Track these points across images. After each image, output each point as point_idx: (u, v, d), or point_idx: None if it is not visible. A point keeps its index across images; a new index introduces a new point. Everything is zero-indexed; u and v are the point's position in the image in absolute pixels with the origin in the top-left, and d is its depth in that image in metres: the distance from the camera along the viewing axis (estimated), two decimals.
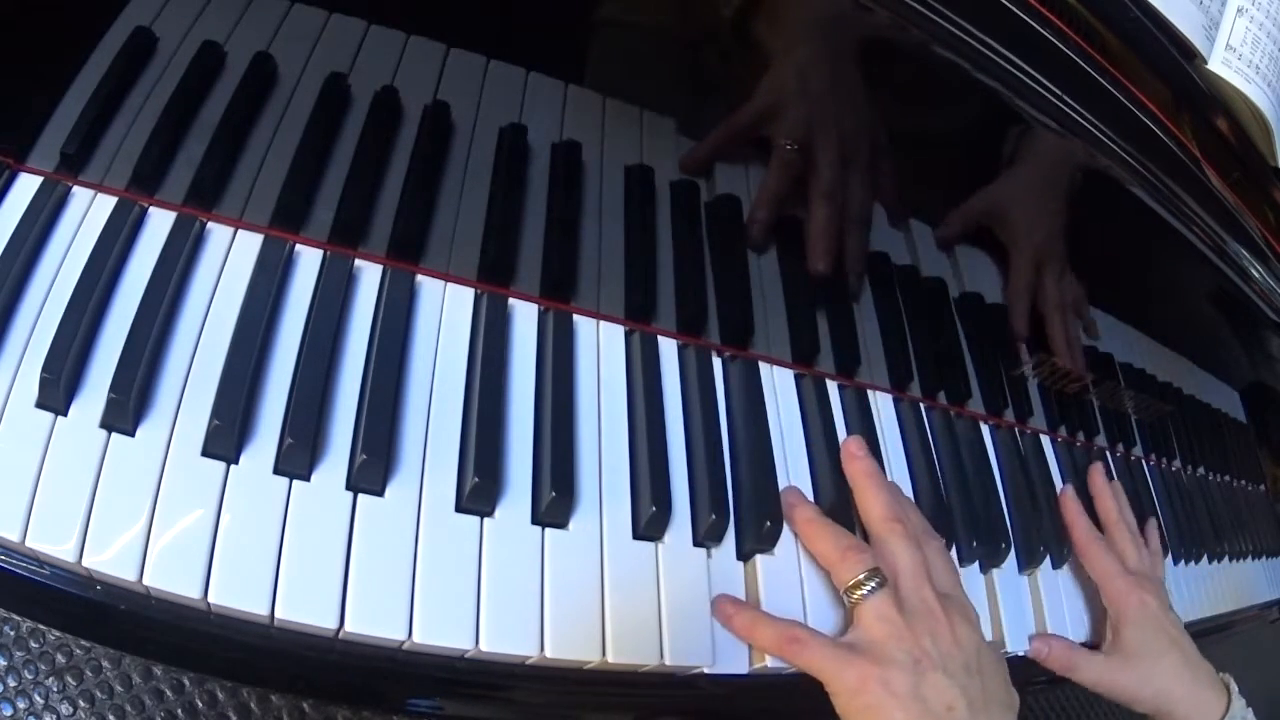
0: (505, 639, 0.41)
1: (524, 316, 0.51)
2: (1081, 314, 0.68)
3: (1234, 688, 0.63)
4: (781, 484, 0.53)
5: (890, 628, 0.47)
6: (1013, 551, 0.62)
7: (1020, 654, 0.60)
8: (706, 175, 0.53)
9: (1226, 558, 0.91)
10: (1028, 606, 0.62)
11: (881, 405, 0.62)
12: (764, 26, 0.47)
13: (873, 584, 0.48)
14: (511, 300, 0.51)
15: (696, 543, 0.49)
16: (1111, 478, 0.74)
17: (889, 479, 0.56)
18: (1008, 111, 0.51)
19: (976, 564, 0.60)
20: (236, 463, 0.40)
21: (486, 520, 0.44)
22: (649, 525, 0.47)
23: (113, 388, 0.38)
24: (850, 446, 0.55)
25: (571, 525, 0.45)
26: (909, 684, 0.45)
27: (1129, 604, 0.62)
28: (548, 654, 0.42)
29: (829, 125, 0.51)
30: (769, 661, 0.48)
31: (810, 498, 0.54)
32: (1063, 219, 0.60)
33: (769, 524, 0.50)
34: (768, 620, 0.48)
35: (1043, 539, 0.65)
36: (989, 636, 0.57)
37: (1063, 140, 0.53)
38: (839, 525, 0.51)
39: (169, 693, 0.48)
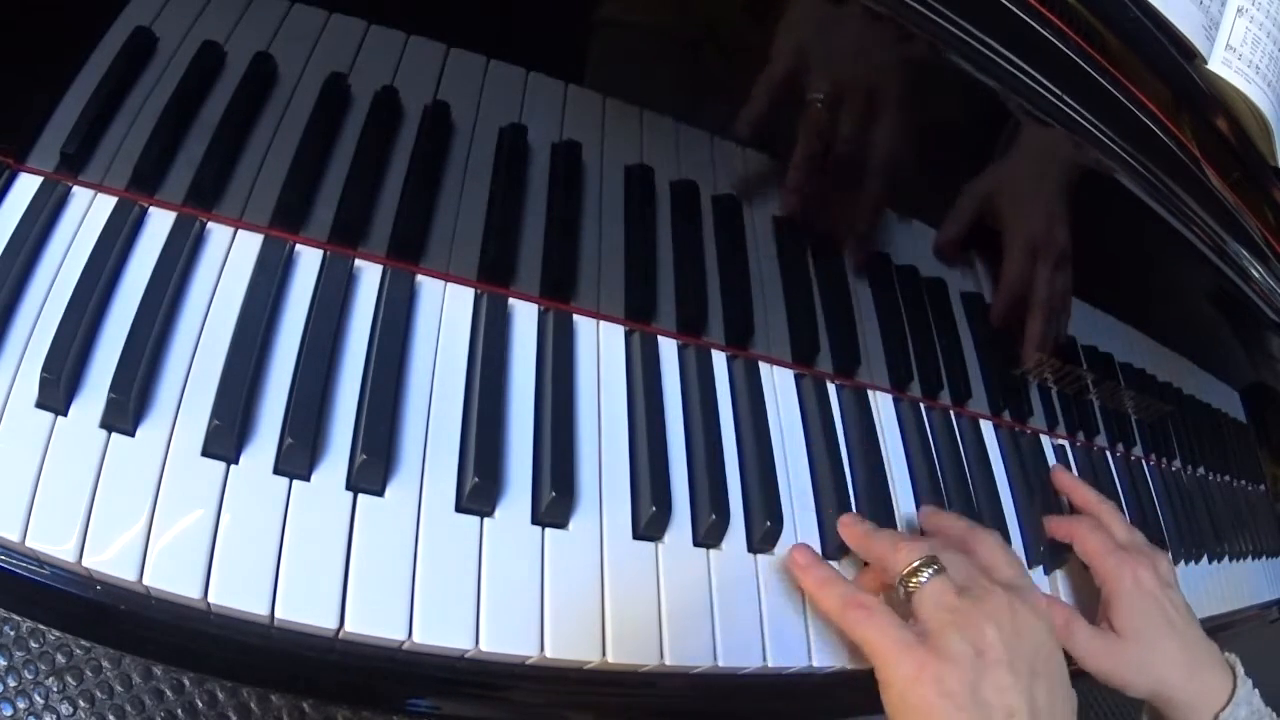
0: (505, 639, 0.41)
1: (524, 316, 0.51)
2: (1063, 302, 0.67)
3: (1240, 669, 0.59)
4: (782, 485, 0.53)
5: (950, 614, 0.43)
6: (1014, 551, 0.62)
7: None
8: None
9: (1226, 558, 0.91)
10: None
11: (881, 405, 0.62)
12: (764, 26, 0.47)
13: (930, 570, 0.45)
14: (511, 300, 0.51)
15: (697, 543, 0.49)
16: (1109, 466, 0.73)
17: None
18: (1007, 112, 0.51)
19: None
20: (236, 463, 0.40)
21: (486, 520, 0.44)
22: (649, 525, 0.47)
23: (113, 388, 0.38)
24: (846, 519, 0.53)
25: (571, 525, 0.45)
26: (967, 683, 0.41)
27: (1121, 581, 0.58)
28: (548, 654, 0.42)
29: (833, 103, 0.50)
30: (771, 662, 0.47)
31: (809, 497, 0.54)
32: (1062, 219, 0.60)
33: (769, 524, 0.50)
34: (840, 583, 0.46)
35: (1044, 538, 0.65)
36: None
37: (1062, 140, 0.53)
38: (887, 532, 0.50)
39: (169, 693, 0.48)
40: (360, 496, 0.41)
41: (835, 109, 0.50)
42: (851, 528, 0.51)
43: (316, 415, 0.42)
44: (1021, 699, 0.42)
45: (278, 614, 0.38)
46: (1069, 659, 0.59)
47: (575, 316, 0.52)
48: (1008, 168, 0.56)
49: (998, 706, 0.41)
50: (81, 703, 0.47)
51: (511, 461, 0.46)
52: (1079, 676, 0.62)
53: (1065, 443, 0.75)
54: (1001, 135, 0.54)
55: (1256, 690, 0.59)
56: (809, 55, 0.48)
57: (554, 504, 0.45)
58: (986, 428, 0.68)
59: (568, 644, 0.42)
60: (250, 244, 0.46)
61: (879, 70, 0.50)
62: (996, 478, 0.66)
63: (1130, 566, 0.59)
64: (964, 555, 0.49)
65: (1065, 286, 0.64)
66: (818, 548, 0.53)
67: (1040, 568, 0.65)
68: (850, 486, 0.56)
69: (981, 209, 0.59)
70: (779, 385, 0.58)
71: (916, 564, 0.46)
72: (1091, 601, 0.66)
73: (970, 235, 0.60)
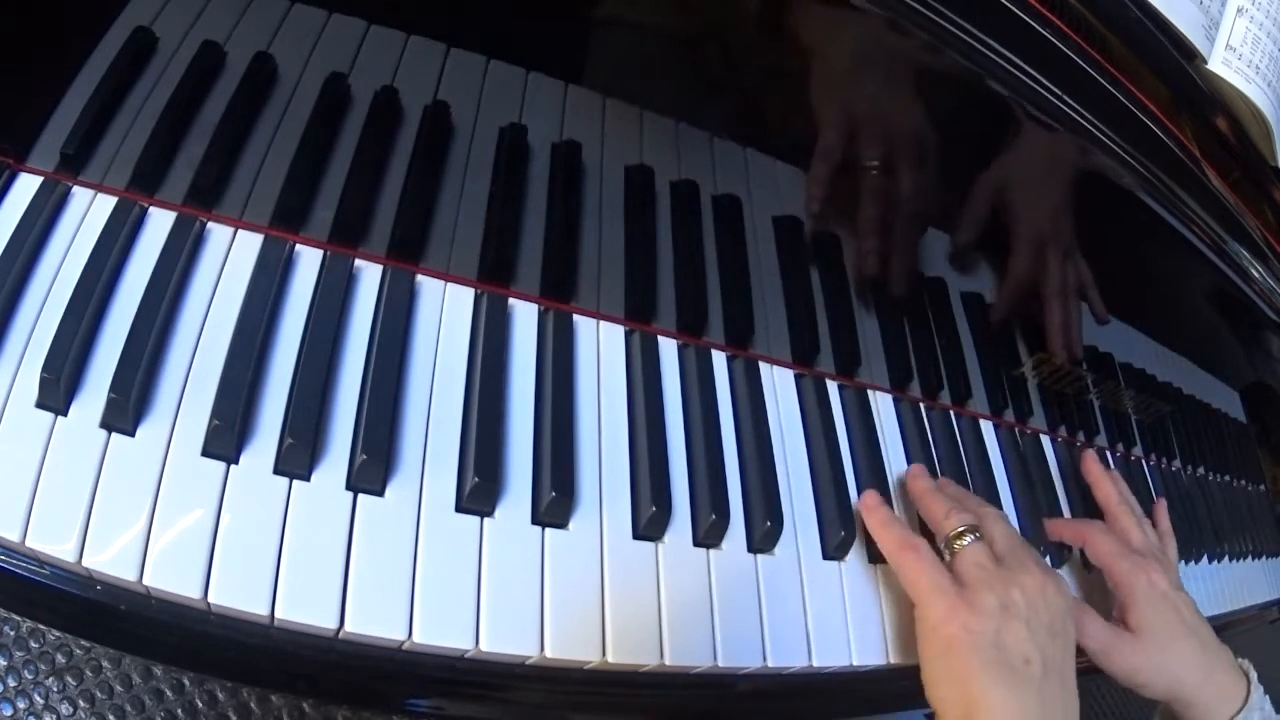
0: (505, 639, 0.41)
1: (524, 316, 0.51)
2: (1097, 311, 0.67)
3: (1253, 675, 0.59)
4: (782, 485, 0.53)
5: (985, 574, 0.49)
6: None
7: None
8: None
9: (1226, 558, 0.91)
10: None
11: (881, 405, 0.62)
12: (762, 22, 0.47)
13: (973, 536, 0.51)
14: (511, 300, 0.51)
15: (697, 543, 0.49)
16: (1108, 466, 0.74)
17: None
18: (1007, 112, 0.51)
19: None
20: (236, 463, 0.40)
21: (486, 520, 0.44)
22: (649, 525, 0.47)
23: (113, 388, 0.38)
24: (913, 469, 0.60)
25: (571, 525, 0.45)
26: (991, 629, 0.47)
27: (1136, 584, 0.59)
28: (548, 654, 0.42)
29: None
30: (771, 662, 0.47)
31: (809, 497, 0.54)
32: (1062, 219, 0.60)
33: (769, 524, 0.50)
34: (900, 526, 0.52)
35: (1045, 538, 0.65)
36: None
37: (1063, 141, 0.53)
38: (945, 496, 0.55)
39: (169, 693, 0.48)
40: (360, 496, 0.41)
41: (826, 112, 0.50)
42: (918, 480, 0.58)
43: (316, 415, 0.42)
44: (1035, 650, 0.47)
45: (278, 614, 0.38)
46: (1081, 653, 0.59)
47: (575, 316, 0.52)
48: (1007, 170, 0.56)
49: (1014, 650, 0.47)
50: (81, 703, 0.47)
51: (511, 461, 0.46)
52: (1090, 674, 0.62)
53: (1065, 443, 0.75)
54: (1001, 137, 0.54)
55: (1268, 697, 0.59)
56: (808, 57, 0.48)
57: (554, 504, 0.45)
58: (986, 428, 0.68)
59: (568, 644, 0.42)
60: (250, 244, 0.46)
61: (878, 70, 0.50)
62: (996, 478, 0.66)
63: (1143, 569, 0.60)
64: (1010, 529, 0.53)
65: (1071, 286, 0.64)
66: (818, 548, 0.53)
67: None
68: (850, 487, 0.56)
69: (984, 212, 0.59)
70: (779, 385, 0.58)
71: (962, 529, 0.51)
72: (1097, 601, 0.66)
73: (980, 238, 0.60)
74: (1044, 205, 0.59)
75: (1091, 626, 0.58)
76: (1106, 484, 0.68)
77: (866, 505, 0.54)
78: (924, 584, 0.49)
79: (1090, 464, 0.71)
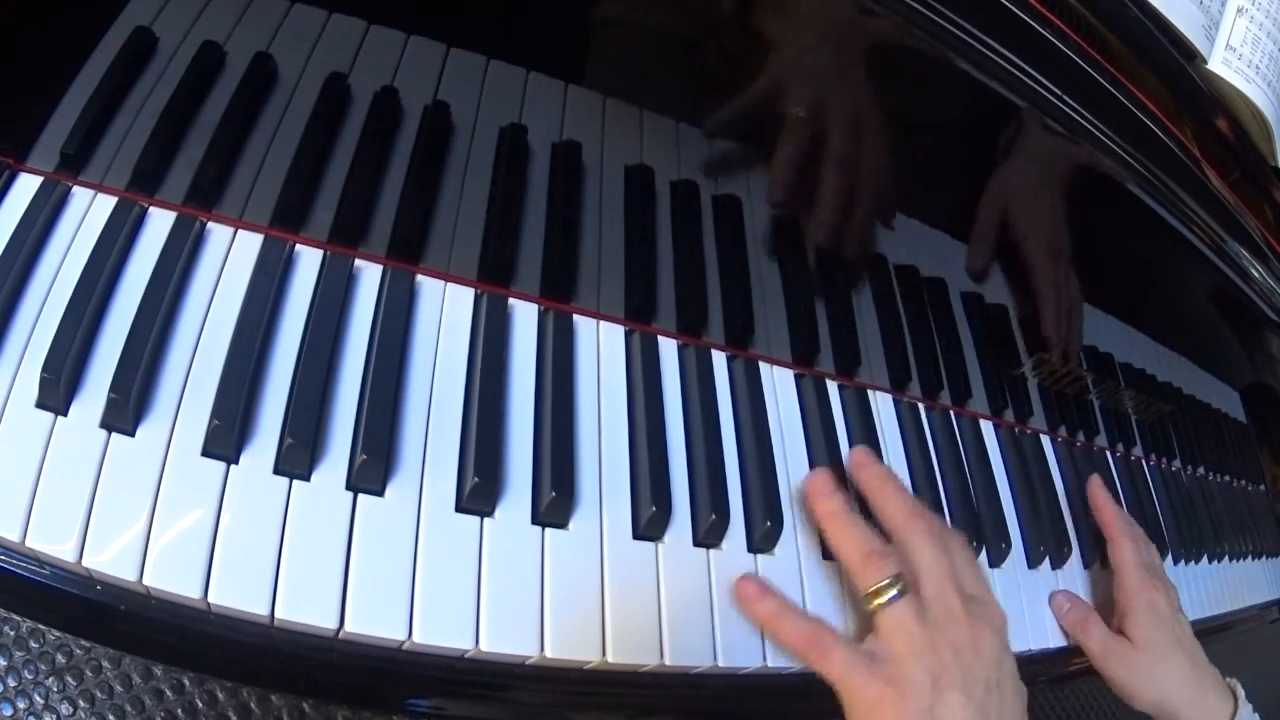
0: (505, 639, 0.41)
1: (524, 316, 0.51)
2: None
3: (1241, 694, 0.62)
4: (782, 485, 0.53)
5: (910, 641, 0.45)
6: (1014, 551, 0.62)
7: (1022, 652, 0.60)
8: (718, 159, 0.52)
9: (1226, 558, 0.91)
10: (1030, 605, 0.62)
11: (881, 405, 0.62)
12: (762, 21, 0.47)
13: (894, 591, 0.46)
14: (511, 300, 0.51)
15: (696, 543, 0.49)
16: (1109, 466, 0.74)
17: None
18: (1006, 112, 0.51)
19: (981, 562, 0.60)
20: (236, 463, 0.40)
21: (486, 520, 0.44)
22: (649, 525, 0.47)
23: (113, 388, 0.38)
24: (858, 456, 0.55)
25: (571, 525, 0.45)
26: (925, 706, 0.44)
27: (1140, 598, 0.62)
28: (548, 654, 0.42)
29: (834, 103, 0.50)
30: (771, 662, 0.47)
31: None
32: (1061, 219, 0.60)
33: (769, 524, 0.50)
34: (794, 615, 0.46)
35: (1044, 539, 0.65)
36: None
37: (1062, 141, 0.53)
38: (864, 523, 0.49)
39: (169, 693, 0.48)
40: (360, 496, 0.41)
41: (827, 111, 0.50)
42: (823, 500, 0.51)
43: (316, 415, 0.42)
44: (975, 715, 0.44)
45: (278, 614, 0.38)
46: (1081, 656, 0.62)
47: (575, 316, 0.52)
48: (1007, 170, 0.56)
49: None
50: (81, 703, 0.47)
51: (511, 461, 0.46)
52: (1082, 677, 0.63)
53: (1065, 443, 0.75)
54: (1000, 135, 0.54)
55: (1257, 715, 0.62)
56: (807, 55, 0.48)
57: (554, 504, 0.45)
58: (986, 428, 0.68)
59: (568, 644, 0.42)
60: (250, 244, 0.46)
61: (876, 70, 0.50)
62: (996, 478, 0.66)
63: (1151, 586, 0.63)
64: (938, 551, 0.49)
65: (1071, 285, 0.64)
66: (818, 548, 0.53)
67: (1042, 565, 0.65)
68: (851, 486, 0.56)
69: (985, 213, 0.59)
70: (779, 385, 0.58)
71: (882, 583, 0.46)
72: (1095, 601, 0.66)
73: (980, 239, 0.60)
74: (1044, 206, 0.59)
75: (1095, 630, 0.61)
76: (1109, 510, 0.69)
77: (747, 596, 0.47)
78: (846, 677, 0.45)
79: (1095, 490, 0.71)
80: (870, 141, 0.53)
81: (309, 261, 0.47)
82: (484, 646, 0.41)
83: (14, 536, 0.35)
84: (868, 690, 0.44)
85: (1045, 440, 0.73)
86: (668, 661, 0.45)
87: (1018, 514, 0.65)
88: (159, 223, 0.45)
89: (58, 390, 0.38)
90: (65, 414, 0.38)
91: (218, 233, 0.46)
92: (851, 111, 0.51)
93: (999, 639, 0.48)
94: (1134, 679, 0.61)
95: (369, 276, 0.48)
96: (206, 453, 0.40)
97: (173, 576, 0.37)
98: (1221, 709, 0.60)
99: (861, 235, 0.58)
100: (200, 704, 0.48)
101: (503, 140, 0.49)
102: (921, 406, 0.64)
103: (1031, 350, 0.68)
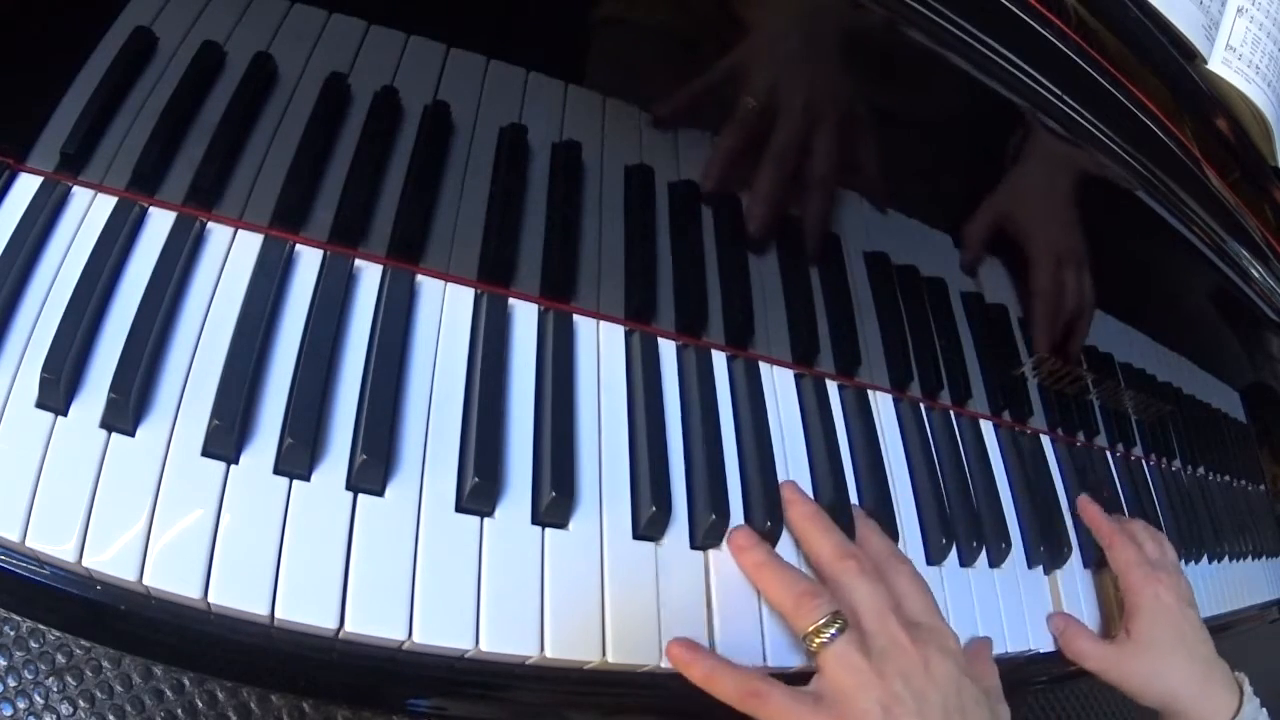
0: (505, 639, 0.41)
1: (524, 316, 0.51)
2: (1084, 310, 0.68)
3: (1248, 688, 0.62)
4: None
5: (857, 675, 0.44)
6: (1014, 551, 0.62)
7: (1022, 652, 0.60)
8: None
9: (1226, 558, 0.91)
10: (1029, 605, 0.62)
11: (881, 405, 0.62)
12: (760, 19, 0.47)
13: (833, 629, 0.44)
14: (511, 300, 0.51)
15: (696, 543, 0.49)
16: (1109, 466, 0.74)
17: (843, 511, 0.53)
18: (1006, 112, 0.51)
19: (981, 562, 0.60)
20: (236, 463, 0.40)
21: (486, 520, 0.44)
22: (649, 525, 0.47)
23: (113, 388, 0.38)
24: (786, 492, 0.52)
25: (571, 525, 0.45)
26: None
27: (1144, 595, 0.63)
28: (548, 654, 0.42)
29: (798, 95, 0.50)
30: (770, 662, 0.47)
31: (810, 497, 0.54)
32: (1062, 219, 0.60)
33: (769, 524, 0.50)
34: (727, 670, 0.44)
35: (1044, 539, 0.65)
36: (986, 634, 0.57)
37: (1062, 141, 0.53)
38: (791, 568, 0.48)
39: (169, 693, 0.48)
40: (360, 496, 0.41)
41: (819, 89, 0.50)
42: (747, 553, 0.48)
43: (316, 415, 0.42)
44: None
45: (278, 614, 0.38)
46: (1071, 662, 0.61)
47: (575, 316, 0.52)
48: (1006, 170, 0.56)
49: None
50: (81, 703, 0.47)
51: (511, 461, 0.46)
52: (1082, 677, 0.63)
53: (1065, 443, 0.75)
54: (1000, 136, 0.54)
55: (1264, 710, 0.62)
56: (804, 53, 0.48)
57: (554, 504, 0.45)
58: (986, 428, 0.68)
59: (568, 644, 0.42)
60: (250, 244, 0.46)
61: (876, 70, 0.50)
62: (996, 478, 0.66)
63: (1154, 582, 0.63)
64: (874, 586, 0.47)
65: (1072, 285, 0.64)
66: None
67: (1040, 567, 0.65)
68: (850, 486, 0.56)
69: (984, 212, 0.59)
70: (779, 385, 0.58)
71: (819, 623, 0.45)
72: (1097, 600, 0.67)
73: (980, 239, 0.60)
74: (1044, 206, 0.59)
75: (1077, 641, 0.62)
76: (1100, 522, 0.69)
77: (679, 659, 0.44)
78: (780, 718, 0.43)
79: (1086, 506, 0.70)
80: (870, 141, 0.53)
81: (309, 261, 0.47)
82: (484, 646, 0.41)
83: (14, 536, 0.35)
84: None
85: (1045, 440, 0.73)
86: (667, 662, 0.45)
87: (1018, 514, 0.65)
88: (159, 223, 0.45)
89: (58, 390, 0.38)
90: (65, 414, 0.38)
91: (218, 233, 0.46)
92: (850, 112, 0.51)
93: (953, 662, 0.46)
94: (1138, 679, 0.61)
95: (369, 276, 0.48)
96: (206, 453, 0.40)
97: (173, 576, 0.37)
98: (1228, 703, 0.61)
99: (859, 233, 0.58)
100: (200, 704, 0.48)
101: (503, 140, 0.49)
102: (922, 406, 0.64)
103: (1031, 350, 0.68)
